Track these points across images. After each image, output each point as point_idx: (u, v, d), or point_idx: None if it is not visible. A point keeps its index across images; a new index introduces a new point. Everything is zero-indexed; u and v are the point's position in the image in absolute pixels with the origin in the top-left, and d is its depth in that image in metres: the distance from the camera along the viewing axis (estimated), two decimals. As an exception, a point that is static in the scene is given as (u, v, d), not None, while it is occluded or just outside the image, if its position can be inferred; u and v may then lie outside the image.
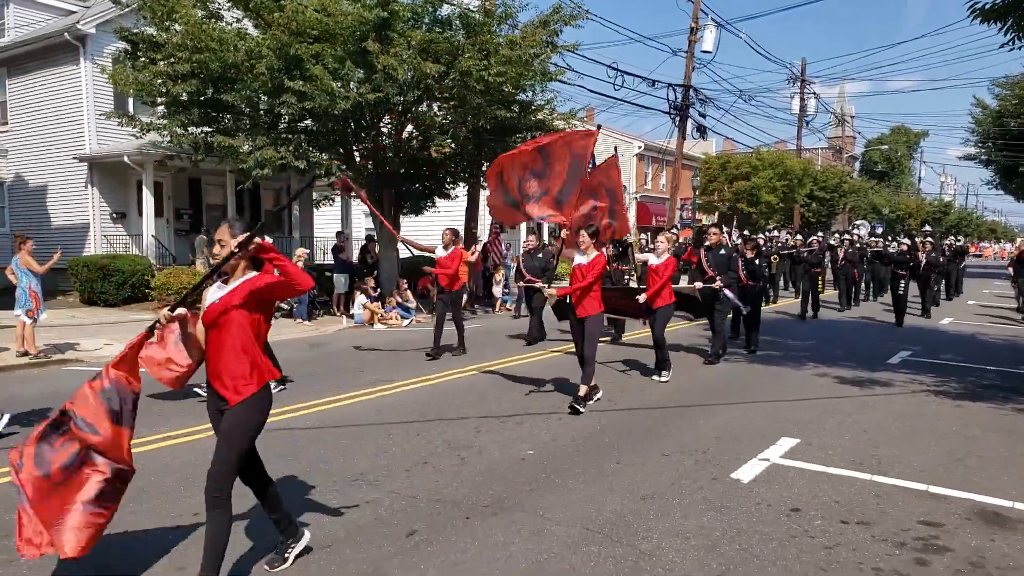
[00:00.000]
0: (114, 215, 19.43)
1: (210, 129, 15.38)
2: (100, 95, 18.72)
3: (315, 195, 22.58)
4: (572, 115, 18.15)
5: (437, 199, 18.53)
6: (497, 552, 4.13)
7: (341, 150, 16.18)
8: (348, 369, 9.77)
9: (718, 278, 10.16)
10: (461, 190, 19.29)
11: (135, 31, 15.40)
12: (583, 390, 7.44)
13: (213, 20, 14.72)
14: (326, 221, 25.54)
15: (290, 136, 15.12)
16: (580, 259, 7.58)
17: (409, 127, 16.51)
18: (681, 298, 9.77)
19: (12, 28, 21.16)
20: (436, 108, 16.38)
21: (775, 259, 18.99)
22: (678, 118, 26.12)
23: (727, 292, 10.18)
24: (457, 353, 10.91)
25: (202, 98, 15.08)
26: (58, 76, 19.51)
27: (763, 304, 13.26)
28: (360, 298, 15.20)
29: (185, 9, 13.99)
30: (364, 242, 20.27)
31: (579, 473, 5.48)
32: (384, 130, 16.43)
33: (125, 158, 17.67)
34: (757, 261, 11.55)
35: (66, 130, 19.43)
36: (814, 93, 38.97)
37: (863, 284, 20.82)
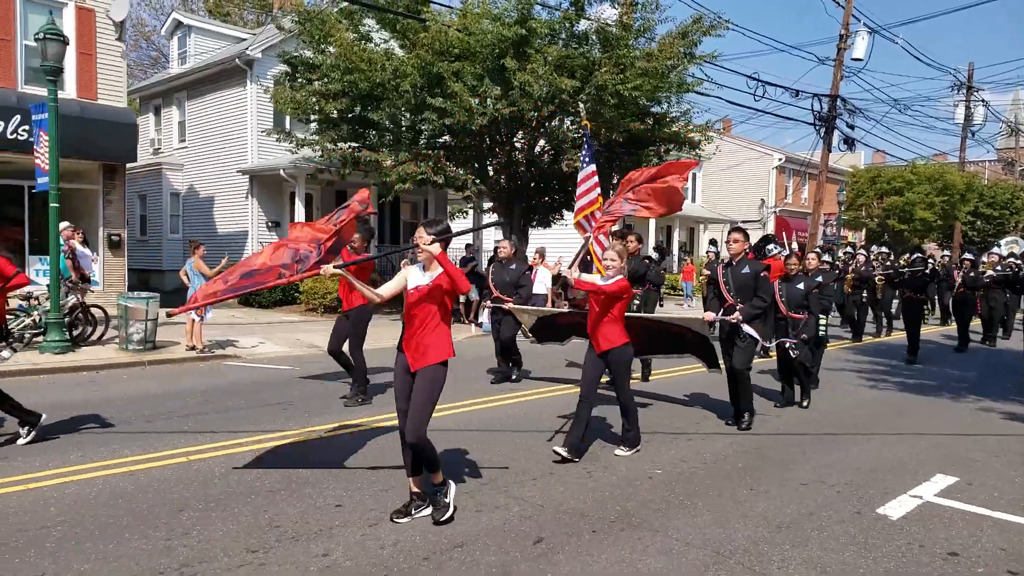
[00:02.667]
0: (269, 224, 20.96)
1: (357, 145, 16.30)
2: (262, 114, 20.32)
3: (449, 207, 23.37)
4: (708, 127, 17.76)
5: (566, 212, 18.66)
6: (624, 567, 4.10)
7: (476, 164, 16.64)
8: (479, 376, 10.00)
9: (738, 308, 7.16)
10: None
11: (295, 55, 16.60)
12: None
13: (364, 42, 15.61)
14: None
15: (429, 151, 15.75)
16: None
17: (542, 141, 16.75)
18: (667, 338, 7.30)
19: (192, 56, 23.37)
20: (569, 122, 16.53)
21: (879, 281, 14.98)
22: (823, 129, 24.91)
23: (748, 328, 7.12)
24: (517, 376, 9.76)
25: (351, 115, 16.02)
26: (228, 98, 21.35)
27: (821, 342, 9.51)
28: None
29: (339, 33, 14.92)
30: (493, 252, 20.71)
31: (710, 496, 5.34)
32: (517, 145, 16.75)
33: (281, 171, 19.03)
34: (801, 285, 8.47)
35: (232, 146, 21.21)
36: (982, 100, 35.95)
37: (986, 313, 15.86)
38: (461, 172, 16.13)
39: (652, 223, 29.64)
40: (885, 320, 16.45)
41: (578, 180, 8.91)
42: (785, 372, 8.61)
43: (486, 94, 14.42)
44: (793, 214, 38.70)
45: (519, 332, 8.83)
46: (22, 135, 13.78)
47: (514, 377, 9.67)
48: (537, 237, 20.51)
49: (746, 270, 7.23)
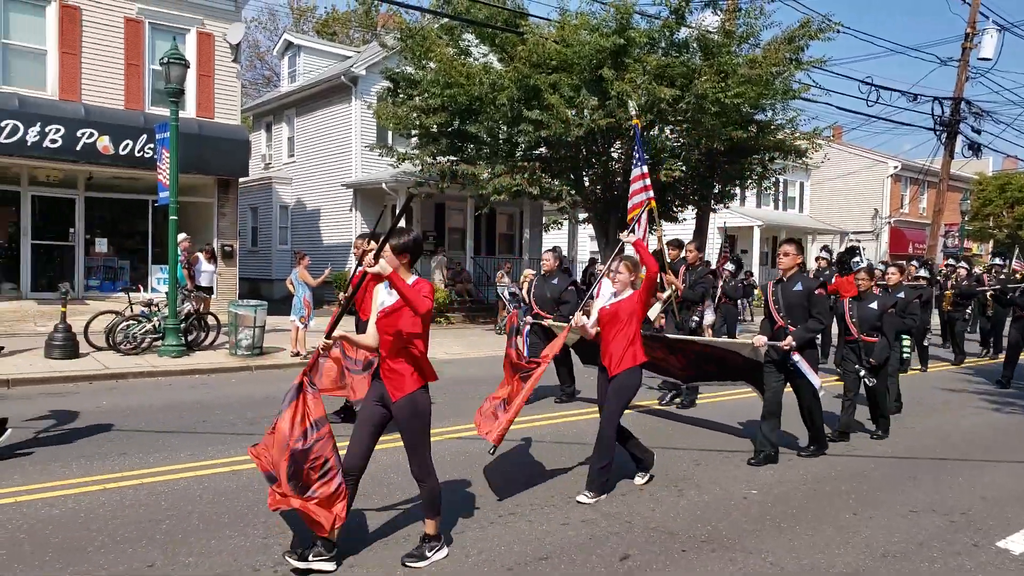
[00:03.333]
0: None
1: (455, 158, 16.61)
2: (366, 129, 21.05)
3: (544, 219, 23.44)
4: (816, 134, 17.07)
5: (664, 222, 18.34)
6: (713, 591, 3.96)
7: (571, 175, 16.63)
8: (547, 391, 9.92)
9: (789, 331, 6.26)
10: (689, 212, 18.91)
11: (397, 71, 17.11)
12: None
13: (463, 57, 15.91)
14: (556, 244, 26.35)
15: (525, 163, 15.85)
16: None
17: (640, 151, 16.57)
18: (714, 362, 6.79)
19: (301, 74, 24.52)
20: (668, 132, 16.27)
21: (989, 297, 13.45)
22: (944, 135, 23.45)
23: (798, 360, 6.26)
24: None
25: (449, 129, 16.35)
26: (334, 114, 22.25)
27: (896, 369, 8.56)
28: (582, 318, 15.43)
29: (439, 48, 15.28)
30: (587, 264, 20.62)
31: (808, 519, 5.08)
32: (614, 155, 16.62)
33: (383, 185, 19.62)
34: (875, 305, 7.43)
35: (337, 160, 22.07)
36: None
37: None
38: (556, 183, 16.14)
39: (756, 233, 28.74)
40: (992, 341, 14.73)
41: (631, 178, 8.89)
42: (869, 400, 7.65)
43: (583, 105, 14.39)
44: (910, 225, 36.59)
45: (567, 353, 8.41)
46: (148, 153, 14.81)
47: (560, 397, 8.93)
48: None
49: (798, 287, 6.34)
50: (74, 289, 15.00)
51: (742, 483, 5.87)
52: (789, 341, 6.15)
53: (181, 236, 12.01)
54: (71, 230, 15.82)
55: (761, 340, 6.28)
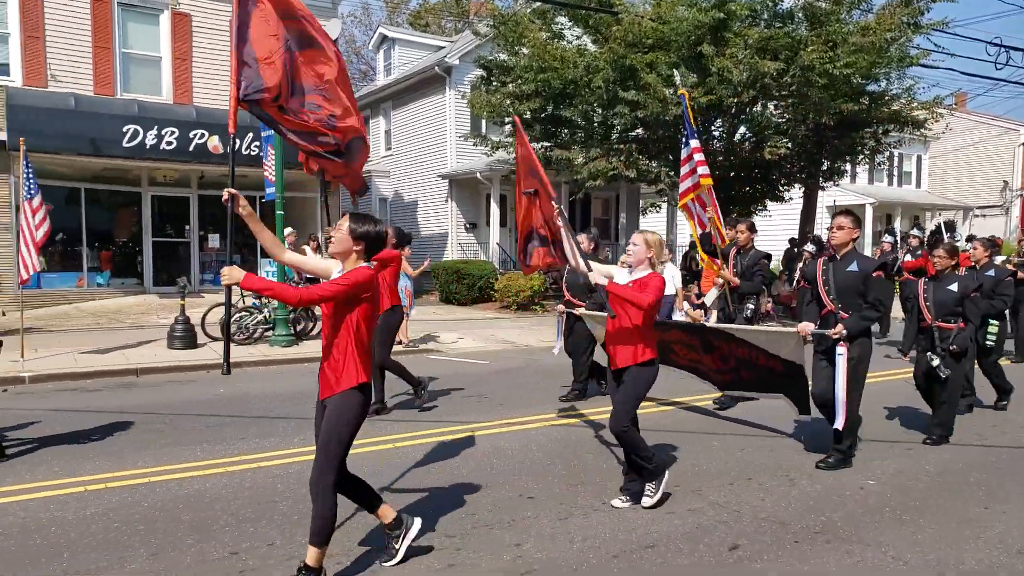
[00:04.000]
0: (467, 225, 21.91)
1: (549, 144, 16.54)
2: (460, 119, 21.26)
3: (641, 202, 23.02)
4: (937, 102, 15.97)
5: (769, 202, 17.65)
6: (830, 585, 3.78)
7: (670, 156, 16.26)
8: (678, 375, 9.72)
9: (840, 319, 5.44)
10: (796, 192, 18.14)
11: (490, 58, 17.18)
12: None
13: (556, 40, 15.79)
14: (654, 228, 25.87)
15: (621, 146, 15.60)
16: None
17: (742, 129, 15.99)
18: (752, 368, 6.04)
19: (396, 67, 25.01)
20: (772, 107, 15.63)
21: None
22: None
23: (841, 354, 5.36)
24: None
25: (543, 115, 16.29)
26: (428, 105, 22.59)
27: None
28: (685, 305, 15.07)
29: (532, 33, 15.22)
30: (688, 248, 20.08)
31: (932, 512, 4.78)
32: (715, 133, 16.13)
33: (478, 175, 19.80)
34: (954, 287, 6.41)
35: (432, 152, 22.41)
36: None
37: None
38: (654, 165, 15.82)
39: (868, 212, 27.28)
40: None
41: (681, 159, 8.19)
42: (928, 394, 6.60)
43: (681, 83, 14.04)
44: (1043, 197, 33.80)
45: (591, 347, 7.71)
46: (254, 151, 15.48)
47: (563, 396, 8.02)
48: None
49: (852, 267, 5.43)
50: (190, 283, 15.91)
51: (857, 473, 5.58)
52: (840, 329, 5.31)
53: (287, 230, 12.50)
54: (186, 227, 16.79)
55: (807, 327, 5.52)
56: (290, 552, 4.03)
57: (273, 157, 11.79)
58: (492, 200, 20.15)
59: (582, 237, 8.03)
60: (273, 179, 11.83)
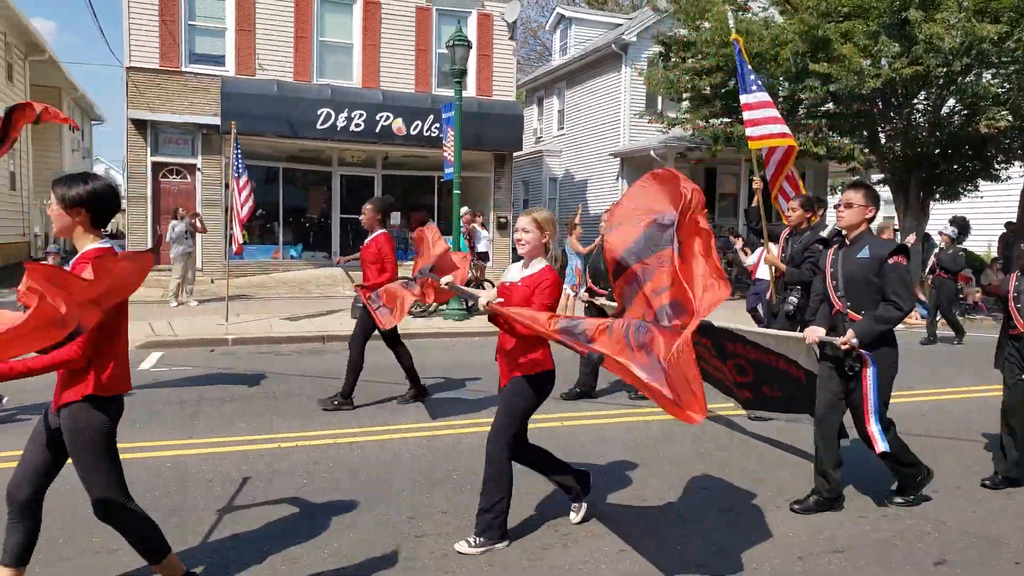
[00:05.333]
0: (639, 205, 21.50)
1: (729, 120, 15.79)
2: (634, 97, 20.84)
3: (829, 181, 21.44)
4: None
5: (981, 181, 15.77)
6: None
7: (865, 133, 14.97)
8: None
9: (849, 322, 4.30)
10: (1016, 170, 16.07)
11: (669, 34, 16.65)
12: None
13: (741, 13, 15.01)
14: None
15: (810, 122, 14.59)
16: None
17: (951, 101, 14.38)
18: (775, 378, 4.84)
19: (572, 46, 24.94)
20: (989, 76, 13.90)
21: None
22: None
23: (871, 379, 4.22)
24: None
25: (723, 90, 15.55)
26: (603, 83, 22.34)
27: None
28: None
29: (716, 6, 14.55)
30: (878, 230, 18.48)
31: None
32: (919, 107, 14.63)
33: (651, 152, 19.33)
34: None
35: (604, 130, 22.17)
36: None
37: None
38: (846, 141, 14.65)
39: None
40: None
41: (745, 104, 6.74)
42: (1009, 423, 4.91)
43: (880, 53, 12.81)
44: None
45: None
46: (433, 132, 16.05)
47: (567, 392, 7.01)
48: (942, 210, 17.78)
49: (863, 254, 4.25)
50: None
51: (1095, 492, 4.83)
52: (848, 338, 4.12)
53: (463, 209, 12.86)
54: (370, 204, 17.79)
55: (814, 333, 4.32)
56: (460, 521, 4.10)
57: (452, 138, 12.14)
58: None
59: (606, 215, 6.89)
60: (452, 160, 12.20)
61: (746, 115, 6.63)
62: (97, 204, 2.87)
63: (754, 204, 6.81)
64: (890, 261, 4.14)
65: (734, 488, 4.75)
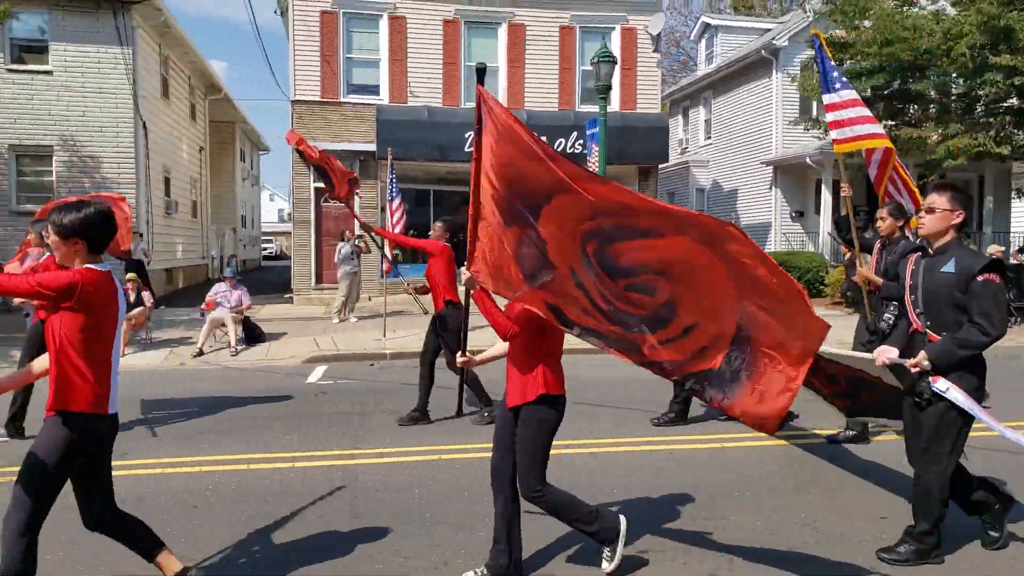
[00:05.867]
0: (793, 214, 20.47)
1: (894, 122, 14.75)
2: (787, 103, 19.92)
3: (1013, 182, 19.43)
4: None
5: None
6: None
7: (1058, 130, 13.49)
8: None
9: (928, 344, 3.72)
10: None
11: (824, 36, 15.80)
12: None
13: (905, 8, 14.01)
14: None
15: (991, 120, 13.33)
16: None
17: None
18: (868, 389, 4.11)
19: (718, 55, 24.27)
20: None
21: None
22: None
23: (946, 390, 3.60)
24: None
25: (887, 92, 14.59)
26: (752, 91, 21.53)
27: None
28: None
29: (878, 3, 13.69)
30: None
31: None
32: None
33: (807, 159, 18.37)
34: None
35: (755, 138, 21.33)
36: None
37: None
38: (1034, 140, 13.28)
39: None
40: None
41: (829, 122, 6.10)
42: None
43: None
44: None
45: None
46: (577, 148, 16.07)
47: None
48: None
49: (948, 267, 3.68)
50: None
51: None
52: (920, 359, 3.62)
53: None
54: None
55: (885, 354, 3.76)
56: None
57: (597, 154, 12.11)
58: (823, 186, 18.55)
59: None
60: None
61: (831, 116, 6.15)
62: (91, 231, 2.97)
63: (843, 213, 6.29)
64: (979, 279, 3.59)
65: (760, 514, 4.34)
